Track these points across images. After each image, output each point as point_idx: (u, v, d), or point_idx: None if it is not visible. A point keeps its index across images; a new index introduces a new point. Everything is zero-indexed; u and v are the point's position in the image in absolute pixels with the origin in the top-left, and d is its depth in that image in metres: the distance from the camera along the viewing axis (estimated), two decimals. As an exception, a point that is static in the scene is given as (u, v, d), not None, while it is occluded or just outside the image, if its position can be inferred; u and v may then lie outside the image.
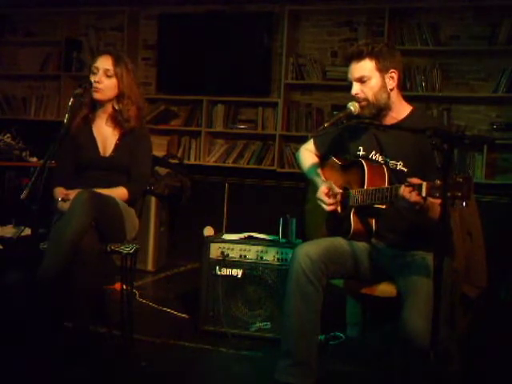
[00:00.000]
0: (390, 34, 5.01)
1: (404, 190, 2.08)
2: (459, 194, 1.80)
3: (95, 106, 3.01)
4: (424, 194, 1.98)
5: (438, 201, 1.89)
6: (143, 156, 3.05)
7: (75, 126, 2.95)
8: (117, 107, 2.99)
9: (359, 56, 2.38)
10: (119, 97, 2.98)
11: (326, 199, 2.48)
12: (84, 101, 2.95)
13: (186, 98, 5.72)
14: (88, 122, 3.00)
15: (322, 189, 2.50)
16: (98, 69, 2.93)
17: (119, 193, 2.93)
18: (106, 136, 3.03)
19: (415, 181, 2.05)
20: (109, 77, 2.95)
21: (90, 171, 2.99)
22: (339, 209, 2.49)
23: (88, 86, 2.90)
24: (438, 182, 1.90)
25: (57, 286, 2.58)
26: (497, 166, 4.85)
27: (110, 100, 2.99)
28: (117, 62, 2.97)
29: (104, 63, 2.95)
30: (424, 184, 1.98)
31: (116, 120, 3.01)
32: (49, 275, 2.55)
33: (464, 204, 1.82)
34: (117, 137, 3.02)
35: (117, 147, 3.01)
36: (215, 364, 2.97)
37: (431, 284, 1.86)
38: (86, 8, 5.97)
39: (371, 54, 2.37)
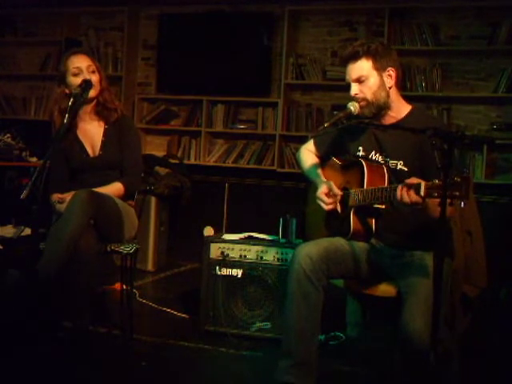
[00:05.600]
0: (390, 34, 5.01)
1: (402, 190, 2.08)
2: (457, 194, 1.80)
3: (75, 110, 2.94)
4: (422, 193, 1.98)
5: (437, 200, 1.88)
6: (133, 146, 3.05)
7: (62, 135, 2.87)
8: (101, 100, 3.00)
9: (355, 56, 2.38)
10: (102, 90, 3.00)
11: (325, 198, 2.48)
12: (62, 109, 2.90)
13: (186, 98, 5.72)
14: (71, 128, 2.97)
15: (323, 189, 2.50)
16: (80, 69, 2.92)
17: (115, 189, 2.93)
18: (91, 135, 3.03)
19: (414, 180, 2.05)
20: (93, 72, 2.96)
21: (82, 174, 3.00)
22: (339, 209, 2.49)
23: (88, 87, 2.88)
24: (437, 181, 1.90)
25: (56, 285, 2.58)
26: (497, 166, 4.85)
27: (97, 96, 2.99)
28: (91, 57, 3.02)
29: (83, 62, 2.95)
30: (422, 184, 1.98)
31: (100, 114, 3.02)
32: (48, 274, 2.55)
33: (462, 204, 1.81)
34: (101, 133, 3.02)
35: (104, 144, 3.01)
36: (215, 364, 2.96)
37: (431, 284, 1.86)
38: (86, 8, 5.97)
39: (367, 54, 2.37)
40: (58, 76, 3.02)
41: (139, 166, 3.07)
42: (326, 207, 2.49)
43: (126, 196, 2.99)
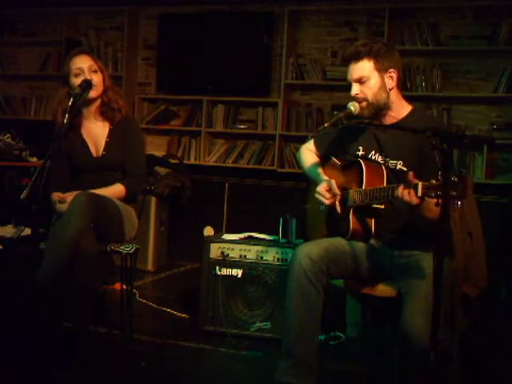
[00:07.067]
0: (390, 34, 5.01)
1: (401, 190, 2.08)
2: (454, 194, 1.79)
3: (78, 109, 2.95)
4: (420, 193, 1.98)
5: (433, 200, 1.88)
6: (136, 149, 3.05)
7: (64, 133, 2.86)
8: (106, 100, 3.00)
9: (357, 56, 2.38)
10: (106, 89, 3.00)
11: (325, 193, 2.48)
12: (64, 109, 2.87)
13: (186, 98, 5.72)
14: (75, 127, 2.98)
15: (324, 185, 2.50)
16: (81, 69, 2.92)
17: (116, 190, 2.92)
18: (96, 135, 3.02)
19: (412, 179, 2.05)
20: (95, 72, 2.95)
21: (84, 174, 2.99)
22: (339, 209, 2.49)
23: (87, 87, 2.88)
24: (434, 181, 1.89)
25: (56, 286, 2.58)
26: (497, 166, 4.85)
27: (100, 95, 2.99)
28: (94, 57, 3.02)
29: (85, 62, 2.94)
30: (420, 184, 1.98)
31: (104, 114, 3.01)
32: (48, 276, 2.55)
33: (459, 204, 1.81)
34: (106, 134, 3.02)
35: (108, 145, 3.01)
36: (215, 364, 2.97)
37: (431, 284, 1.86)
38: (85, 8, 5.97)
39: (369, 54, 2.36)
40: (62, 77, 3.02)
41: (141, 168, 3.07)
42: (325, 201, 2.49)
43: (127, 197, 2.98)
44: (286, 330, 2.40)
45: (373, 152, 2.47)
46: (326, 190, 2.49)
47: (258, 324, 3.22)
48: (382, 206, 2.37)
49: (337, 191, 2.46)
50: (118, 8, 5.82)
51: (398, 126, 2.38)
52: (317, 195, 2.51)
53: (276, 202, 5.09)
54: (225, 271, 3.27)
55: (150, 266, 4.99)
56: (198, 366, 2.91)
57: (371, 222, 2.42)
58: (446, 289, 2.20)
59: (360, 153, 2.51)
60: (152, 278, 4.76)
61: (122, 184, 2.96)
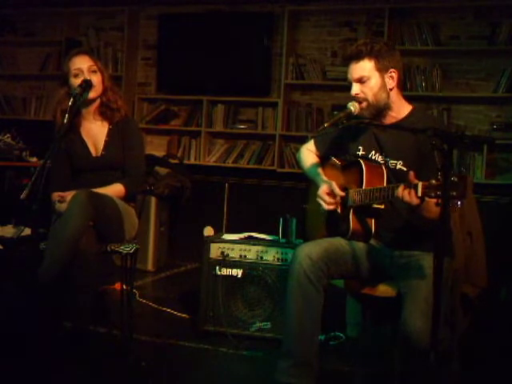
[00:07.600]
0: (390, 34, 5.01)
1: (401, 190, 2.08)
2: (454, 194, 1.79)
3: (78, 109, 2.95)
4: (420, 193, 1.98)
5: (433, 200, 1.88)
6: (135, 148, 3.04)
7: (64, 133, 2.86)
8: (105, 100, 2.99)
9: (358, 56, 2.37)
10: (105, 90, 3.00)
11: (326, 198, 2.48)
12: (63, 109, 2.87)
13: (186, 98, 5.72)
14: (74, 127, 2.98)
15: (324, 188, 2.50)
16: (81, 70, 2.91)
17: (116, 190, 2.92)
18: (94, 135, 3.02)
19: (413, 179, 2.05)
20: (94, 72, 2.95)
21: (84, 173, 2.99)
22: (339, 209, 2.49)
23: (88, 87, 2.88)
24: (434, 181, 1.89)
25: (56, 286, 2.58)
26: (497, 166, 4.85)
27: (99, 96, 2.99)
28: (93, 57, 3.01)
29: (84, 62, 2.94)
30: (420, 184, 1.98)
31: (103, 115, 3.01)
32: (48, 276, 2.55)
33: (459, 203, 1.81)
34: (105, 133, 3.02)
35: (107, 144, 3.01)
36: (215, 364, 2.97)
37: (431, 284, 1.86)
38: (86, 8, 5.97)
39: (370, 54, 2.36)
40: (61, 77, 3.02)
41: (141, 167, 3.07)
42: (326, 207, 2.49)
43: (127, 197, 2.98)
44: (286, 330, 2.40)
45: (373, 152, 2.47)
46: (325, 193, 2.49)
47: (258, 324, 3.22)
48: (382, 206, 2.37)
49: (338, 192, 2.46)
50: (118, 8, 5.82)
51: (398, 125, 2.38)
52: (318, 199, 2.51)
53: (276, 201, 5.09)
54: (225, 271, 3.27)
55: (150, 266, 4.99)
56: (198, 366, 2.91)
57: (371, 222, 2.42)
58: (446, 289, 2.20)
59: (360, 153, 2.51)
60: (152, 278, 4.76)
61: (122, 183, 2.96)
